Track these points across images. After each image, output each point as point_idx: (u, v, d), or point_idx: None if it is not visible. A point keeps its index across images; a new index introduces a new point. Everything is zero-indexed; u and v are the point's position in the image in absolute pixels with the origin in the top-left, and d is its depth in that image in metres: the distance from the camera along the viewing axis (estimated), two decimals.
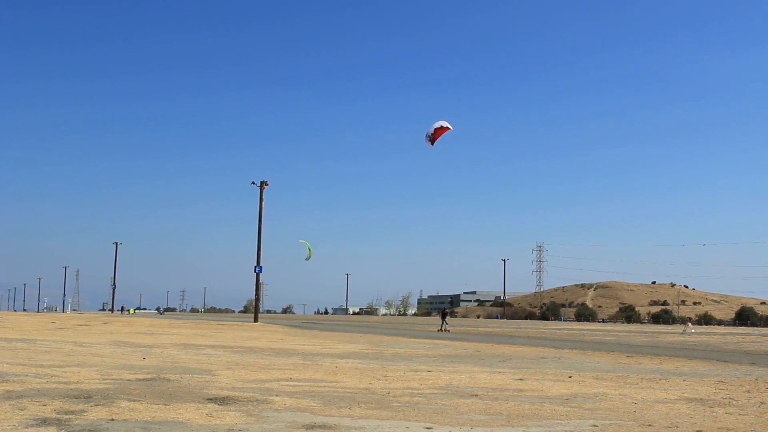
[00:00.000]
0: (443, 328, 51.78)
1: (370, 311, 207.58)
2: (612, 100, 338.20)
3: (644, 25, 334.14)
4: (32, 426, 8.41)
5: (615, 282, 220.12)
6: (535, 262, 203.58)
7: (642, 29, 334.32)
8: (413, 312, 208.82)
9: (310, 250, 67.42)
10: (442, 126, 31.94)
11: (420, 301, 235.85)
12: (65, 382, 12.61)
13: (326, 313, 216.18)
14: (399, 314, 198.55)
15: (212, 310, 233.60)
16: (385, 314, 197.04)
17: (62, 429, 8.29)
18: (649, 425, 9.67)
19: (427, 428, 9.06)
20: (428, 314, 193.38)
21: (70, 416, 9.08)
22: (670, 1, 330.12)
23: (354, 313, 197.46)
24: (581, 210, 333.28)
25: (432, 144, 32.04)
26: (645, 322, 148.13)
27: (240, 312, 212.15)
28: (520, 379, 15.58)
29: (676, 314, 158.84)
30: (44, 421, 8.69)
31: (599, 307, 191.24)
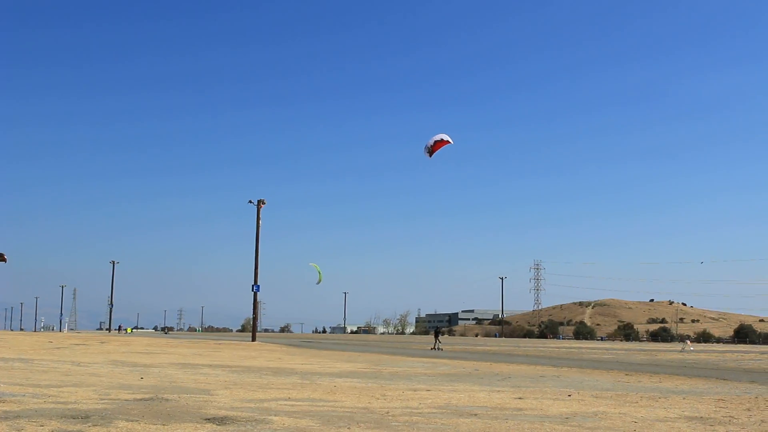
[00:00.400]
0: (436, 347, 52.20)
1: (368, 330, 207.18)
2: (608, 118, 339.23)
3: (641, 42, 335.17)
4: None
5: (613, 300, 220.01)
6: (532, 281, 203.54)
7: (639, 47, 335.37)
8: (411, 330, 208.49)
9: (320, 273, 67.51)
10: (442, 139, 31.98)
11: (418, 320, 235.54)
12: (63, 402, 12.55)
13: (324, 331, 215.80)
14: (397, 333, 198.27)
15: (210, 329, 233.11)
16: (383, 333, 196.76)
17: None
18: None
19: None
20: (426, 333, 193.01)
21: None
22: (668, 19, 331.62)
23: (352, 332, 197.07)
24: (579, 228, 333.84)
25: (430, 156, 32.08)
26: (643, 340, 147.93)
27: (238, 331, 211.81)
28: (520, 398, 15.53)
29: (674, 332, 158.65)
30: None
31: (597, 325, 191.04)
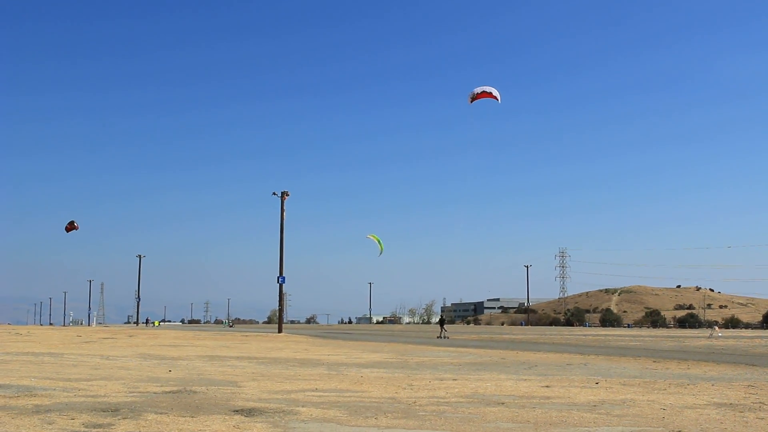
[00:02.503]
0: (442, 335, 52.62)
1: (393, 320, 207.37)
2: (635, 105, 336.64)
3: (665, 27, 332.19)
4: None
5: (639, 286, 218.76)
6: (558, 268, 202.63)
7: (663, 32, 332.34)
8: (437, 320, 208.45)
9: (380, 243, 63.55)
10: (491, 93, 31.56)
11: (443, 309, 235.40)
12: (92, 396, 12.67)
13: (350, 322, 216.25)
14: (423, 322, 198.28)
15: (236, 321, 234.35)
16: (408, 323, 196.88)
17: None
18: (679, 431, 9.57)
19: None
20: (452, 322, 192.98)
21: (98, 430, 9.12)
22: (683, 7, 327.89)
23: (377, 322, 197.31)
24: (604, 215, 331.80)
25: (470, 102, 31.70)
26: (671, 327, 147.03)
27: (264, 323, 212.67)
28: (547, 386, 15.49)
29: (702, 318, 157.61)
30: None
31: (624, 312, 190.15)
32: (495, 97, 31.51)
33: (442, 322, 57.81)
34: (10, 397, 12.21)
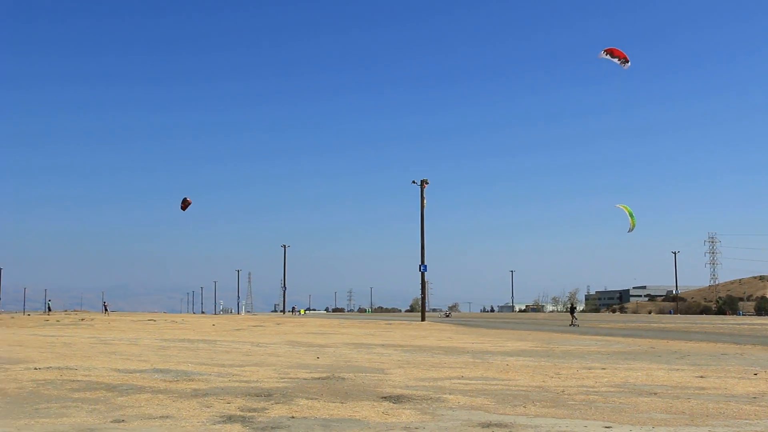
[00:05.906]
0: (573, 323, 52.12)
1: (536, 308, 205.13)
2: None
3: None
4: (219, 423, 8.79)
5: None
6: (707, 254, 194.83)
7: None
8: (581, 308, 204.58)
9: (632, 216, 50.58)
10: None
11: (588, 297, 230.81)
12: (246, 381, 13.11)
13: (492, 311, 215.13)
14: (566, 311, 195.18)
15: (379, 310, 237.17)
16: (552, 311, 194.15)
17: (247, 426, 8.62)
18: None
19: (606, 427, 8.83)
20: (596, 310, 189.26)
21: (253, 413, 9.43)
22: None
23: (520, 311, 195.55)
24: (757, 199, 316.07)
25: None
26: None
27: (406, 311, 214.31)
28: (701, 377, 14.94)
29: None
30: (230, 418, 9.06)
31: None
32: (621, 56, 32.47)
33: (572, 310, 57.68)
34: (170, 381, 12.80)
